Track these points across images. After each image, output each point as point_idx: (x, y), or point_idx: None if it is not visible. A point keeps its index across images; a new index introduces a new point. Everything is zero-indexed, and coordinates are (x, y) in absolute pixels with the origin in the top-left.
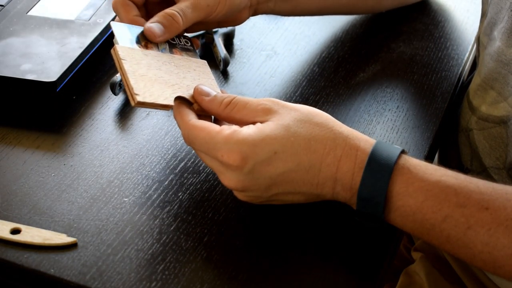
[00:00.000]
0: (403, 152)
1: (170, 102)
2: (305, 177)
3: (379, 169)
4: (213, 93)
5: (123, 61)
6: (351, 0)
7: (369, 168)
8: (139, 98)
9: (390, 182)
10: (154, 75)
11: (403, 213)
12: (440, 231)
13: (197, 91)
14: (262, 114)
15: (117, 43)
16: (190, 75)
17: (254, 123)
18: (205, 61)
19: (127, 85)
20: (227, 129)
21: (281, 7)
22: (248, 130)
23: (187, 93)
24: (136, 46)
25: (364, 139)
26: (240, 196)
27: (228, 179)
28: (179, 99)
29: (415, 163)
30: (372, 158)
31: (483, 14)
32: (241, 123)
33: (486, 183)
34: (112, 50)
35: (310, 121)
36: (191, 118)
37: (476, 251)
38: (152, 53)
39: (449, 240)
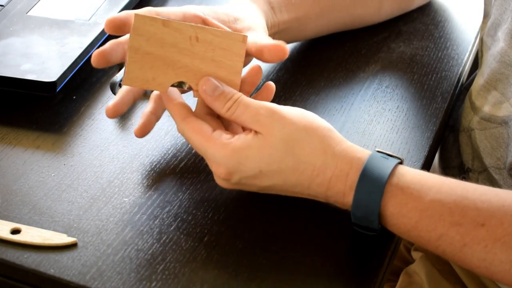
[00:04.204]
0: (399, 162)
1: (163, 88)
2: (293, 191)
3: (369, 191)
4: (220, 88)
5: (132, 33)
6: (347, 23)
7: (359, 190)
8: (126, 82)
9: (382, 203)
10: (163, 53)
11: (398, 229)
12: (436, 247)
13: (202, 87)
14: (258, 124)
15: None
16: (211, 54)
17: (252, 129)
18: (245, 36)
19: (125, 61)
20: (218, 137)
21: (288, 34)
22: (236, 144)
23: (193, 79)
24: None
25: (356, 157)
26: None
27: (220, 182)
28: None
29: (409, 181)
30: (363, 179)
31: (486, 15)
32: (241, 126)
33: (483, 194)
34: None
35: (303, 140)
36: (187, 115)
37: (473, 266)
38: (175, 25)
39: (445, 255)
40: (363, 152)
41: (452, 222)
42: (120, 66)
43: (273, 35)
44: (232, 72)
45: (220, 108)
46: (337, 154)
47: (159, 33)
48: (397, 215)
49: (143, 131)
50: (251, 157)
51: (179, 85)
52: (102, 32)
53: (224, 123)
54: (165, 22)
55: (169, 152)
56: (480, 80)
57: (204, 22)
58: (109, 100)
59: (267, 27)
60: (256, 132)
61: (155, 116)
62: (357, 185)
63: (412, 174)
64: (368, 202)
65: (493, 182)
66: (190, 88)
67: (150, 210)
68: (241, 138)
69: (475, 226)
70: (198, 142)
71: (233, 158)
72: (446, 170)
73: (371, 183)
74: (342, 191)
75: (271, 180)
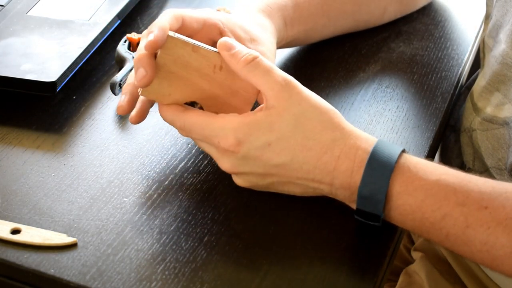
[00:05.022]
0: (403, 151)
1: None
2: (299, 172)
3: (379, 168)
4: (237, 47)
5: (159, 52)
6: (351, 28)
7: (369, 166)
8: (143, 93)
9: (391, 180)
10: (184, 75)
11: (403, 211)
12: (439, 229)
13: (221, 45)
14: (274, 95)
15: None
16: (229, 83)
17: (265, 98)
18: None
19: None
20: (224, 115)
21: (292, 44)
22: (245, 117)
23: (206, 102)
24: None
25: (365, 138)
26: (238, 181)
27: (225, 164)
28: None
29: (415, 162)
30: (373, 157)
31: (488, 16)
32: (255, 88)
33: (486, 181)
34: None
35: (314, 118)
36: (184, 109)
37: (475, 249)
38: (203, 52)
39: (448, 238)
40: (370, 136)
41: (456, 202)
42: (119, 66)
43: (279, 47)
44: (244, 103)
45: (237, 62)
46: (346, 134)
47: (186, 56)
48: (403, 193)
49: (139, 118)
50: (262, 130)
51: (191, 104)
52: (102, 32)
53: None
54: (195, 48)
55: (169, 152)
56: (482, 81)
57: (221, 34)
58: (109, 100)
59: (277, 42)
60: (267, 107)
61: (149, 103)
62: (368, 162)
63: (418, 159)
64: (377, 179)
65: None
66: (201, 108)
67: (150, 210)
68: (250, 114)
69: (478, 208)
70: (203, 122)
71: (243, 128)
72: None
73: (382, 160)
74: (350, 169)
75: (279, 157)
